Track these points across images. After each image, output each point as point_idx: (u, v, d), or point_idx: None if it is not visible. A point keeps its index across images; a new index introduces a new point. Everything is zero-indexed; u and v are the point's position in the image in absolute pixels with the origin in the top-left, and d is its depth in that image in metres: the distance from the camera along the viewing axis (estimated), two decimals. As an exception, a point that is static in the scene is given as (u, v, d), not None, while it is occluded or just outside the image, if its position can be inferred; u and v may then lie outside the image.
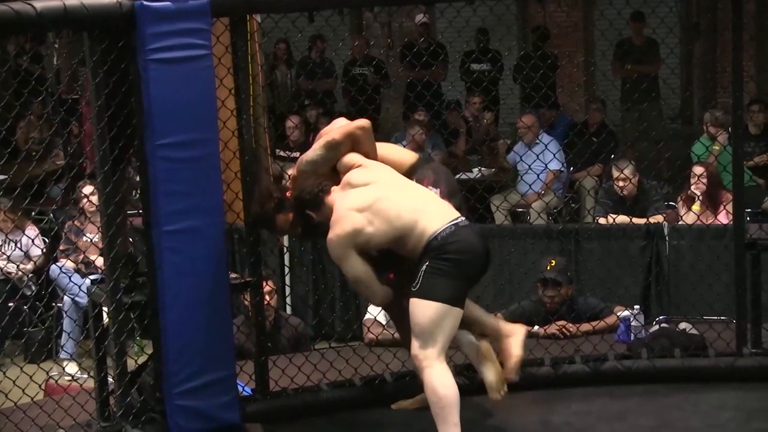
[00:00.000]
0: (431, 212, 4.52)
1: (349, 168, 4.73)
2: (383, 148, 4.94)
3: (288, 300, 8.05)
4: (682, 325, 5.80)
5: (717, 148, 8.78)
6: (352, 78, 11.53)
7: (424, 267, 4.43)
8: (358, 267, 4.55)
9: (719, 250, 6.17)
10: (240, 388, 4.97)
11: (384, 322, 6.34)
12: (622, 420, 4.88)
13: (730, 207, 5.89)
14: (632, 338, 5.96)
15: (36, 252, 8.30)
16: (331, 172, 4.78)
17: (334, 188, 4.70)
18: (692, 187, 8.11)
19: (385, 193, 4.57)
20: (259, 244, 5.08)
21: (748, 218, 5.82)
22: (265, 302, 5.45)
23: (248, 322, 5.63)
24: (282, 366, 5.25)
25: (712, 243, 6.96)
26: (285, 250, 8.25)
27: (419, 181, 4.81)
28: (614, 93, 11.12)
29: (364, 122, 4.82)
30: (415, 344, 4.45)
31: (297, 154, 10.37)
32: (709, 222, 7.77)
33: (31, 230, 8.37)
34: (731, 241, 5.51)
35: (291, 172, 4.87)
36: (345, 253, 4.54)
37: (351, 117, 4.96)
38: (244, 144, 5.00)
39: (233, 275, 5.00)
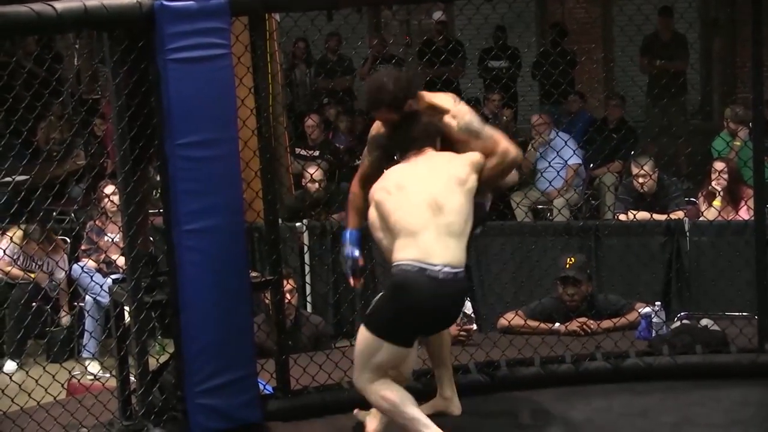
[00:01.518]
0: (422, 242, 4.31)
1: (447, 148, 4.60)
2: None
3: (308, 298, 8.07)
4: (704, 322, 5.78)
5: (738, 143, 8.75)
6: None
7: (380, 294, 4.47)
8: (373, 221, 4.54)
9: (740, 246, 6.15)
10: (261, 387, 4.97)
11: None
12: (644, 417, 4.87)
13: (751, 203, 5.86)
14: (653, 335, 5.95)
15: (60, 274, 8.43)
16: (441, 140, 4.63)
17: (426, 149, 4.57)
18: (713, 183, 8.08)
19: (418, 189, 4.42)
20: (279, 243, 5.08)
21: (769, 214, 5.79)
22: (286, 301, 5.46)
23: (269, 321, 5.64)
24: (303, 364, 5.26)
25: (733, 239, 6.94)
26: (305, 248, 8.28)
27: None
28: (633, 89, 11.10)
29: (512, 151, 4.64)
30: (354, 370, 4.49)
31: (317, 153, 10.45)
32: (730, 218, 7.75)
33: (58, 255, 8.52)
34: (752, 236, 5.49)
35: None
36: (376, 226, 4.53)
37: (370, 115, 4.93)
38: (264, 143, 5.00)
39: (254, 274, 5.01)
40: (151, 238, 5.80)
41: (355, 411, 4.90)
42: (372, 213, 4.54)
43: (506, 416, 4.96)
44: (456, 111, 4.67)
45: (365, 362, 4.40)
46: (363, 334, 4.41)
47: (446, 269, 4.30)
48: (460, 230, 4.38)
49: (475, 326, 6.53)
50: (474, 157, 4.55)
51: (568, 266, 6.37)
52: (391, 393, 4.38)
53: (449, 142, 4.65)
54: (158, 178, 4.74)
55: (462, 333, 6.15)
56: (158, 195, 4.89)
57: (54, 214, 8.54)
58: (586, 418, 4.88)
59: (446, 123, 4.65)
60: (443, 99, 4.72)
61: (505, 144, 4.62)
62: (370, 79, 4.78)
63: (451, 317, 4.54)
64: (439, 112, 4.67)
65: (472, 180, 4.50)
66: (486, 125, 4.72)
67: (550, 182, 8.54)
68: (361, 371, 4.43)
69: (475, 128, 4.63)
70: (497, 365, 5.36)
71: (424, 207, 4.37)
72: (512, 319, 6.35)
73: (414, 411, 4.37)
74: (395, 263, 4.34)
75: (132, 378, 4.80)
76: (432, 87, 5.21)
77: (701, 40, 12.95)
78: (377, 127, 4.77)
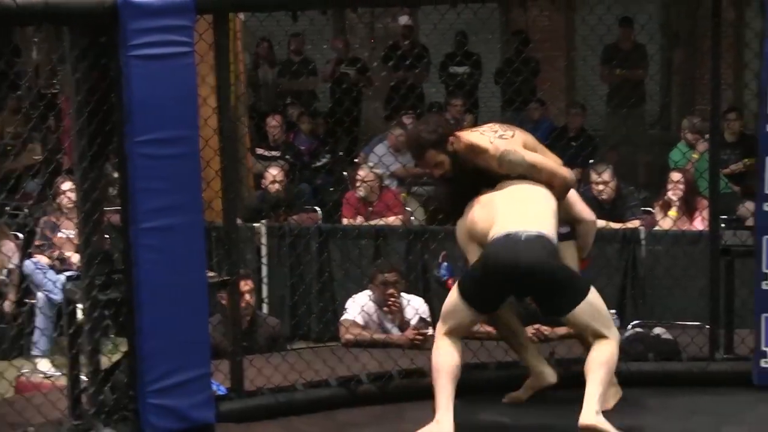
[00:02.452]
0: (504, 220, 4.67)
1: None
2: None
3: (265, 300, 8.06)
4: (657, 330, 5.82)
5: (696, 156, 8.83)
6: (338, 78, 11.56)
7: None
8: (471, 256, 4.82)
9: (694, 255, 6.22)
10: (214, 388, 4.96)
11: (362, 323, 6.36)
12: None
13: (706, 213, 5.92)
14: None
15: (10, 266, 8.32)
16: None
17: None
18: (669, 193, 8.16)
19: (502, 202, 4.77)
20: (238, 243, 5.07)
21: (723, 225, 5.84)
22: (243, 302, 5.45)
23: (225, 321, 5.63)
24: (258, 366, 5.25)
25: (688, 249, 7.02)
26: (264, 249, 8.27)
27: None
28: (594, 98, 11.17)
29: (568, 178, 4.92)
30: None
31: (278, 154, 10.43)
32: (685, 228, 7.82)
33: (8, 245, 8.40)
34: (706, 247, 5.55)
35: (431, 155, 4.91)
36: (465, 240, 4.88)
37: (335, 116, 4.98)
38: (226, 142, 4.99)
39: (211, 274, 4.99)
40: (107, 236, 5.77)
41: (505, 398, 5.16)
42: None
43: (463, 420, 4.99)
44: (493, 150, 4.81)
45: (445, 319, 4.77)
46: (451, 292, 4.77)
47: (527, 232, 4.59)
48: (539, 214, 4.69)
49: (431, 330, 6.54)
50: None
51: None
52: (443, 357, 4.71)
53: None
54: (116, 175, 4.71)
55: (418, 337, 6.17)
56: (116, 192, 4.86)
57: (7, 208, 8.47)
58: (539, 425, 4.90)
59: (486, 163, 4.83)
60: (479, 139, 4.87)
61: (560, 175, 4.86)
62: (406, 137, 4.98)
63: (542, 278, 4.58)
64: (478, 152, 4.84)
65: (550, 198, 4.82)
66: (535, 154, 4.88)
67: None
68: (442, 323, 4.78)
69: (518, 162, 4.80)
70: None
71: (508, 207, 4.73)
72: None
73: (446, 385, 4.66)
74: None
75: (83, 377, 4.76)
76: (396, 91, 5.26)
77: (662, 52, 13.04)
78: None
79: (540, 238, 4.59)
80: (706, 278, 5.52)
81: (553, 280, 4.59)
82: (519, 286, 4.69)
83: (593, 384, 4.51)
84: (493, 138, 4.86)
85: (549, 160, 4.93)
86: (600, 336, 4.60)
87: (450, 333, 4.75)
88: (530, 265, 4.55)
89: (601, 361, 4.55)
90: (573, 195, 5.05)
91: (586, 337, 4.75)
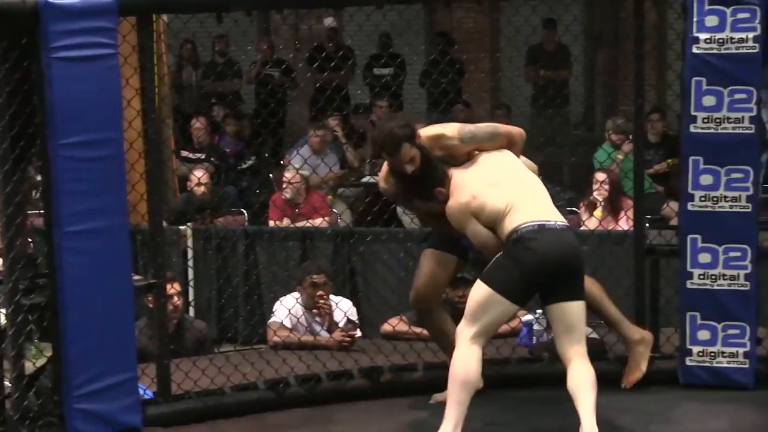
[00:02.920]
0: (525, 207, 4.60)
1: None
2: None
3: (192, 303, 8.00)
4: (583, 329, 5.87)
5: (621, 157, 8.93)
6: (263, 79, 11.52)
7: (498, 255, 4.58)
8: (478, 230, 4.70)
9: (620, 255, 6.27)
10: (141, 391, 4.92)
11: (289, 326, 6.34)
12: (524, 423, 4.93)
13: (631, 213, 5.98)
14: (534, 342, 6.03)
15: None
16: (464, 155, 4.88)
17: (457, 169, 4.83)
18: (594, 193, 8.24)
19: (495, 180, 4.71)
20: (163, 246, 5.03)
21: (648, 224, 5.92)
22: (170, 305, 5.41)
23: (151, 325, 5.57)
24: (185, 369, 5.21)
25: (613, 248, 7.07)
26: (190, 252, 8.21)
27: None
28: (519, 99, 11.25)
29: (522, 132, 4.97)
30: (462, 321, 4.61)
31: (203, 156, 10.36)
32: (611, 228, 7.90)
33: None
34: (632, 246, 5.61)
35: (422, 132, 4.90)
36: (465, 218, 4.71)
37: (261, 117, 4.96)
38: (150, 144, 4.94)
39: (137, 277, 4.95)
40: (31, 240, 5.69)
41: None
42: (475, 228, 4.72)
43: (391, 422, 4.99)
44: (450, 131, 4.87)
45: (476, 317, 4.55)
46: (480, 288, 4.56)
47: (559, 223, 4.60)
48: (546, 194, 4.75)
49: (359, 332, 6.55)
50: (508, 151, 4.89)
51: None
52: (468, 367, 4.52)
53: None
54: (39, 179, 4.65)
55: (346, 339, 6.16)
56: (39, 195, 4.80)
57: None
58: (470, 428, 4.91)
59: (449, 145, 4.84)
60: (435, 128, 4.93)
61: (514, 130, 4.92)
62: (377, 133, 4.90)
63: (574, 267, 4.58)
64: (439, 139, 4.86)
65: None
66: (482, 124, 4.95)
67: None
68: (470, 325, 4.56)
69: (479, 133, 4.86)
70: (381, 371, 5.38)
71: (512, 186, 4.69)
72: (397, 324, 6.38)
73: (464, 401, 4.51)
74: (512, 230, 4.55)
75: (7, 382, 4.69)
76: (322, 92, 5.26)
77: (585, 53, 13.18)
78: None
79: (569, 228, 4.69)
80: (631, 278, 5.57)
81: (580, 267, 4.63)
82: (557, 277, 4.57)
83: (589, 407, 4.51)
84: (447, 126, 4.93)
85: (503, 126, 5.01)
86: (576, 345, 4.60)
87: (478, 335, 4.55)
88: (575, 256, 4.57)
89: (592, 382, 4.57)
90: None
91: (559, 340, 4.68)
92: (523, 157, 5.04)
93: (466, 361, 4.53)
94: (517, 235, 4.54)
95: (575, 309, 4.58)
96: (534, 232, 4.52)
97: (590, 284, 5.01)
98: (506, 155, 4.88)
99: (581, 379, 4.54)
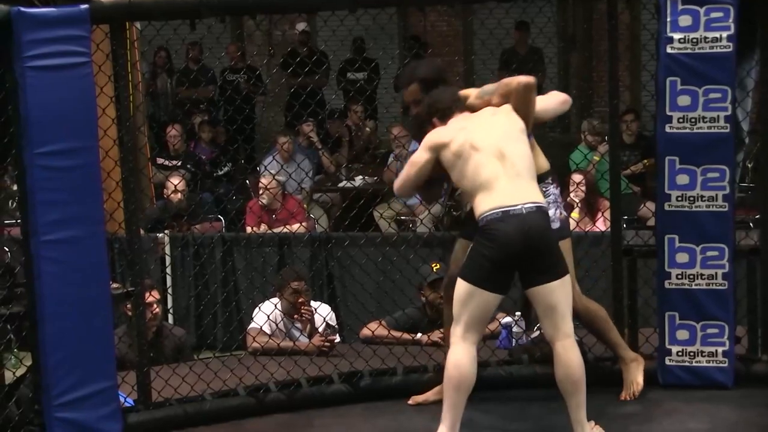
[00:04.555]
0: (495, 189, 4.56)
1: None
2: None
3: (170, 310, 7.97)
4: (562, 331, 5.87)
5: (597, 158, 8.96)
6: (227, 84, 11.53)
7: (470, 248, 4.59)
8: (415, 161, 4.80)
9: (597, 256, 6.28)
10: (121, 399, 4.91)
11: (269, 332, 6.33)
12: (505, 425, 4.94)
13: (607, 214, 6.00)
14: (513, 344, 6.04)
15: None
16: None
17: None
18: (571, 195, 8.27)
19: (480, 144, 4.65)
20: (141, 254, 5.02)
21: (624, 225, 5.93)
22: (149, 312, 5.39)
23: (130, 332, 5.56)
24: (165, 376, 5.20)
25: (591, 250, 7.10)
26: (167, 259, 8.19)
27: None
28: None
29: (529, 80, 4.89)
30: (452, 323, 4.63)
31: (179, 163, 10.34)
32: (588, 229, 7.92)
33: None
34: (608, 247, 5.62)
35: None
36: (424, 148, 4.77)
37: (233, 124, 4.95)
38: (126, 152, 4.93)
39: (115, 285, 4.93)
40: (8, 249, 5.67)
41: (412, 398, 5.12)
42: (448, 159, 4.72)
43: (372, 426, 4.99)
44: (466, 91, 4.94)
45: (459, 313, 4.54)
46: (459, 284, 4.56)
47: (527, 205, 4.52)
48: (528, 172, 4.64)
49: (338, 337, 6.55)
50: (508, 106, 4.84)
51: (435, 270, 6.44)
52: (459, 368, 4.50)
53: None
54: (15, 188, 4.63)
55: (325, 344, 6.15)
56: (15, 205, 4.78)
57: None
58: (539, 425, 4.92)
59: (471, 104, 4.89)
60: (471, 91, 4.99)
61: (515, 81, 4.86)
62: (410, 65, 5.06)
63: (542, 248, 4.52)
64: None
65: (521, 123, 4.81)
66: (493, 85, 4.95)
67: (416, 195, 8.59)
68: (455, 323, 4.56)
69: (489, 90, 4.88)
70: (361, 375, 5.38)
71: (491, 158, 4.61)
72: (376, 329, 6.38)
73: (459, 403, 4.50)
74: (479, 217, 4.55)
75: (-13, 392, 4.68)
76: (296, 97, 5.27)
77: (559, 55, 13.22)
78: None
79: (538, 209, 4.55)
80: (608, 279, 5.59)
81: (549, 246, 4.56)
82: (526, 260, 4.53)
83: (578, 407, 4.55)
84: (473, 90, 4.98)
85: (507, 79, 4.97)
86: (560, 325, 4.57)
87: (466, 331, 4.52)
88: (539, 237, 4.50)
89: (580, 378, 4.58)
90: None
91: (543, 322, 4.65)
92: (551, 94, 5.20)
93: (459, 362, 4.52)
94: (482, 223, 4.54)
95: (553, 289, 4.54)
96: (496, 221, 4.49)
97: (596, 308, 5.17)
98: (504, 119, 4.80)
99: (563, 375, 4.57)
